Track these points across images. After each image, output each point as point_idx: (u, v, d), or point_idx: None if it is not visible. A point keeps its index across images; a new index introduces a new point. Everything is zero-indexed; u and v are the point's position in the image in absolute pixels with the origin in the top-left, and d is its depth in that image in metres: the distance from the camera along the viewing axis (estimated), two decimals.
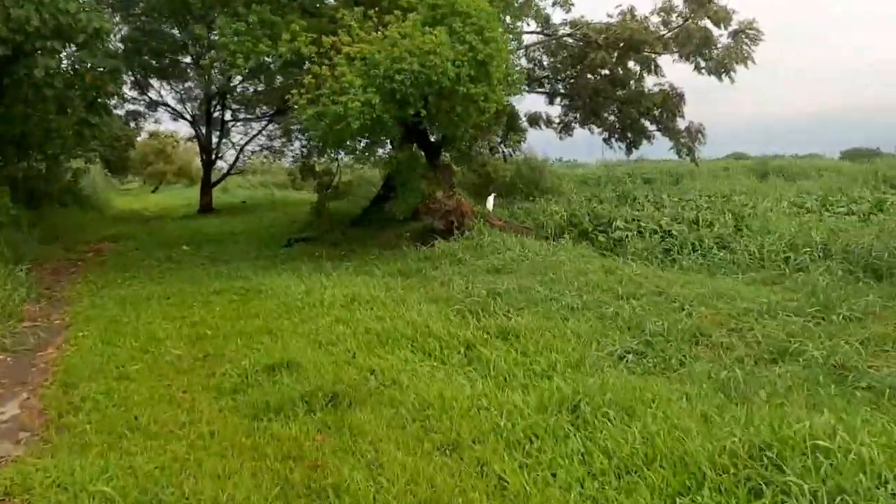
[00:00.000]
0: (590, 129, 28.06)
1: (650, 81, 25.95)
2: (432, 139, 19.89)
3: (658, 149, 41.66)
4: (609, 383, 6.99)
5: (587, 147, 59.13)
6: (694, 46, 23.22)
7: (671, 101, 24.71)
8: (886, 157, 42.74)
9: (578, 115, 28.14)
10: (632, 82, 26.33)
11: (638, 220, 17.05)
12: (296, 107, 16.31)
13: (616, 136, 26.96)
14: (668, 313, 9.79)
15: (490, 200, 18.30)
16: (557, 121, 28.54)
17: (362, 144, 17.44)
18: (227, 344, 9.61)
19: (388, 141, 17.13)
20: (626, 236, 15.80)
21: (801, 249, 12.87)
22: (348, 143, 17.02)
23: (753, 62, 24.12)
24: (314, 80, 15.79)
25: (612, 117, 26.64)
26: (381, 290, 12.57)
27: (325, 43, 16.06)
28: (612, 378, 7.28)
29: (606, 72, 25.47)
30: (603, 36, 24.33)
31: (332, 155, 23.68)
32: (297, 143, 32.06)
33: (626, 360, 8.23)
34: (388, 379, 7.58)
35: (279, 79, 32.05)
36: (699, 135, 25.53)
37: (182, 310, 12.19)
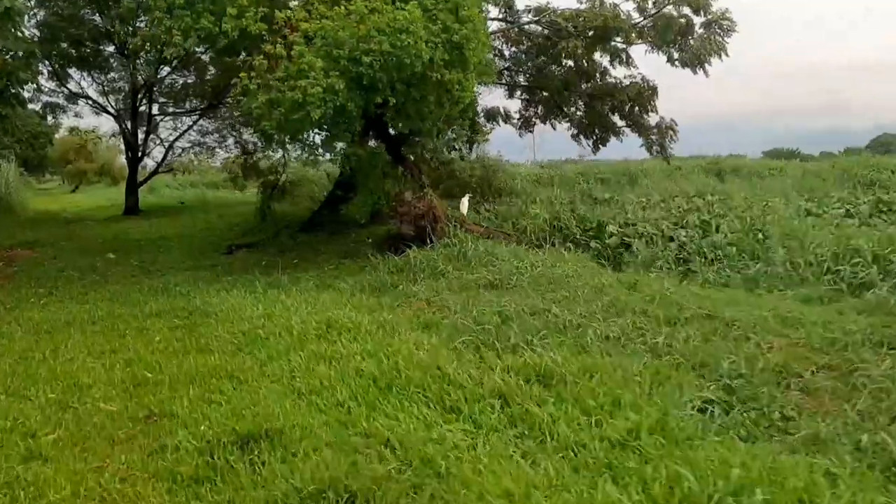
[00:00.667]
0: (552, 125, 26.25)
1: (619, 73, 24.47)
2: (393, 132, 17.69)
3: (612, 148, 40.42)
4: (726, 459, 5.03)
5: (519, 148, 57.84)
6: (673, 35, 21.55)
7: (645, 95, 23.00)
8: (817, 158, 42.84)
9: (540, 110, 26.30)
10: (598, 74, 24.59)
11: (633, 224, 15.24)
12: (241, 97, 13.97)
13: (582, 132, 25.16)
14: (734, 345, 7.88)
15: (465, 203, 16.27)
16: (517, 116, 26.64)
17: (320, 138, 15.14)
18: (176, 395, 7.29)
19: (350, 134, 14.89)
20: (625, 242, 13.91)
21: (849, 260, 11.14)
22: (306, 135, 14.73)
23: (727, 54, 22.68)
24: (266, 62, 13.48)
25: (578, 112, 24.81)
26: (359, 313, 10.38)
27: (277, 18, 13.73)
28: (722, 450, 5.32)
29: (572, 63, 23.59)
30: (571, 24, 22.51)
31: (278, 151, 21.28)
32: (236, 139, 29.43)
33: (712, 415, 6.28)
34: (414, 457, 5.41)
35: (211, 70, 29.46)
36: (671, 131, 23.91)
37: (112, 340, 9.80)
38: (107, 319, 11.11)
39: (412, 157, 17.20)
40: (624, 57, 23.51)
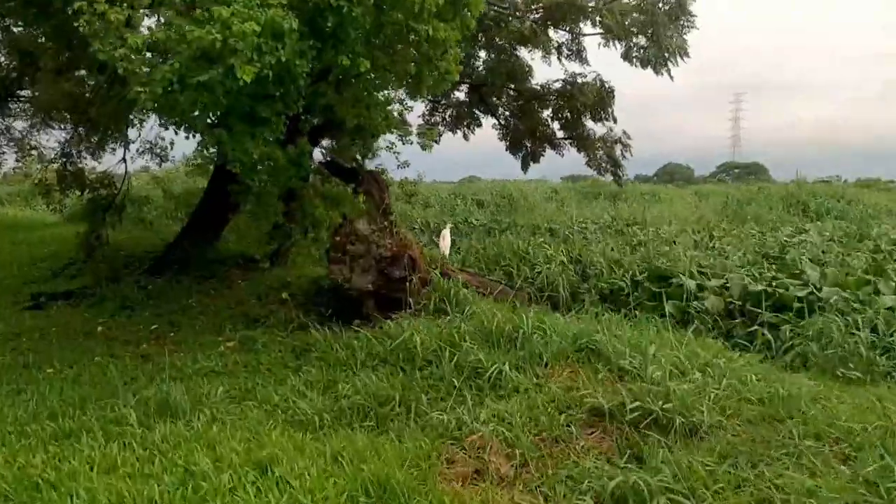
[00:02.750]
0: (464, 135, 20.89)
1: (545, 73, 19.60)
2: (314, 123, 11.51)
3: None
4: None
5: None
6: (651, 21, 16.96)
7: (603, 99, 18.19)
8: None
9: (450, 115, 20.91)
10: (527, 72, 19.60)
11: (706, 272, 10.17)
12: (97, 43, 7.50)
13: (512, 144, 20.02)
14: None
15: (446, 237, 10.41)
16: (422, 121, 20.97)
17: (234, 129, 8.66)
18: None
19: (285, 120, 8.71)
20: (729, 309, 8.77)
21: None
22: (216, 117, 8.31)
23: (688, 55, 18.41)
24: None
25: (506, 113, 19.64)
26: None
27: None
28: None
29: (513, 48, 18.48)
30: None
31: (116, 150, 14.38)
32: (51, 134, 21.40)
33: None
34: None
35: None
36: (623, 147, 19.25)
37: None
38: None
39: (359, 167, 11.04)
40: (575, 48, 18.69)
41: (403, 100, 11.64)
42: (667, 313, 9.14)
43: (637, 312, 9.51)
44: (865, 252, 12.98)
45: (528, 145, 19.81)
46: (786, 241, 14.27)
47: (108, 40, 7.15)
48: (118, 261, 14.08)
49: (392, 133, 12.25)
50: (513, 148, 19.90)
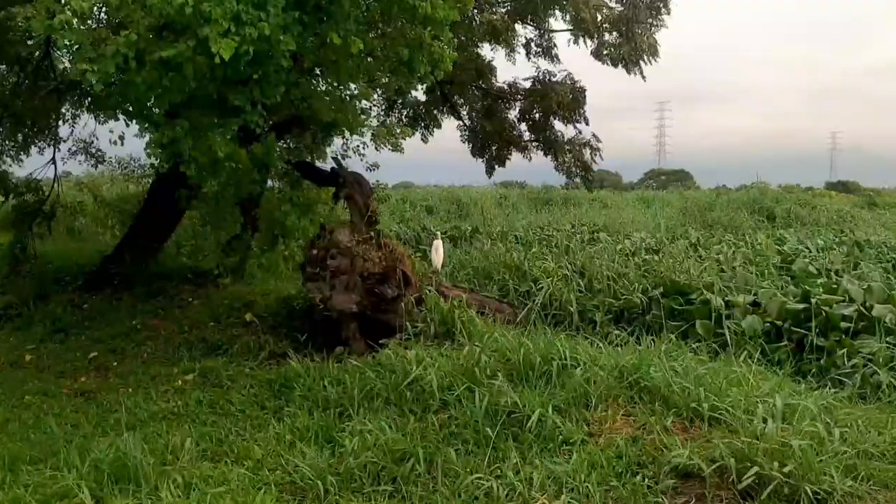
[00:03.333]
0: (422, 137, 19.51)
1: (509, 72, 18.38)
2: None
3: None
4: None
5: None
6: (626, 17, 15.97)
7: (577, 98, 17.09)
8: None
9: (407, 115, 19.53)
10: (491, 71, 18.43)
11: (730, 286, 9.09)
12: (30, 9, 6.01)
13: (474, 145, 18.75)
14: None
15: (439, 248, 9.06)
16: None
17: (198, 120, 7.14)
18: None
19: (262, 112, 7.26)
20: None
21: None
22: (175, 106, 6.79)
23: (658, 55, 17.52)
24: None
25: (478, 120, 18.39)
26: None
27: None
28: None
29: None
30: None
31: (43, 151, 12.58)
32: None
33: None
34: None
35: None
36: (593, 150, 18.16)
37: None
38: None
39: (341, 168, 9.54)
40: (544, 45, 17.58)
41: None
42: (699, 336, 8.00)
43: (659, 335, 8.34)
44: (868, 261, 12.17)
45: (494, 148, 18.59)
46: (782, 250, 13.37)
47: (44, 3, 5.63)
48: (47, 276, 12.28)
49: (362, 131, 10.95)
50: (478, 151, 18.64)
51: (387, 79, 10.71)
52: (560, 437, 5.40)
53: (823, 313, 7.89)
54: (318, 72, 9.34)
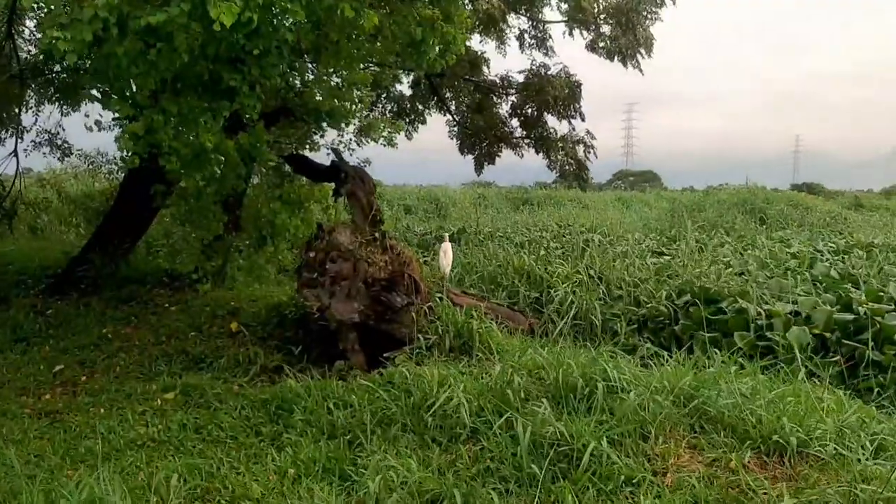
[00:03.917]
0: (407, 133, 18.63)
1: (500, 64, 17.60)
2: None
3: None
4: None
5: None
6: (626, 7, 15.26)
7: (573, 92, 16.33)
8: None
9: (391, 110, 18.70)
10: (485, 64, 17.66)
11: (765, 294, 8.37)
12: None
13: (463, 141, 17.96)
14: None
15: (448, 251, 8.20)
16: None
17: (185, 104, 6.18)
18: None
19: (256, 99, 6.35)
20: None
21: None
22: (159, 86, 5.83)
23: (651, 52, 16.87)
24: None
25: (468, 114, 17.57)
26: None
27: None
28: None
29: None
30: None
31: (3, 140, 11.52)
32: None
33: None
34: None
35: None
36: (587, 148, 17.44)
37: None
38: None
39: (342, 162, 8.61)
40: (539, 36, 16.85)
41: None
42: (736, 349, 7.25)
43: (691, 347, 7.58)
44: (890, 264, 11.54)
45: (485, 144, 17.80)
46: (791, 253, 12.71)
47: None
48: (7, 278, 11.23)
49: (354, 123, 10.13)
50: (467, 147, 17.83)
51: (382, 66, 9.93)
52: (620, 475, 4.59)
53: (877, 324, 7.17)
54: (308, 59, 8.50)
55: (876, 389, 6.65)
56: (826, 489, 4.05)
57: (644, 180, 72.50)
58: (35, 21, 6.96)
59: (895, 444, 4.65)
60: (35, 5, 4.74)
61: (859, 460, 4.37)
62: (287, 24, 5.39)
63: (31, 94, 11.73)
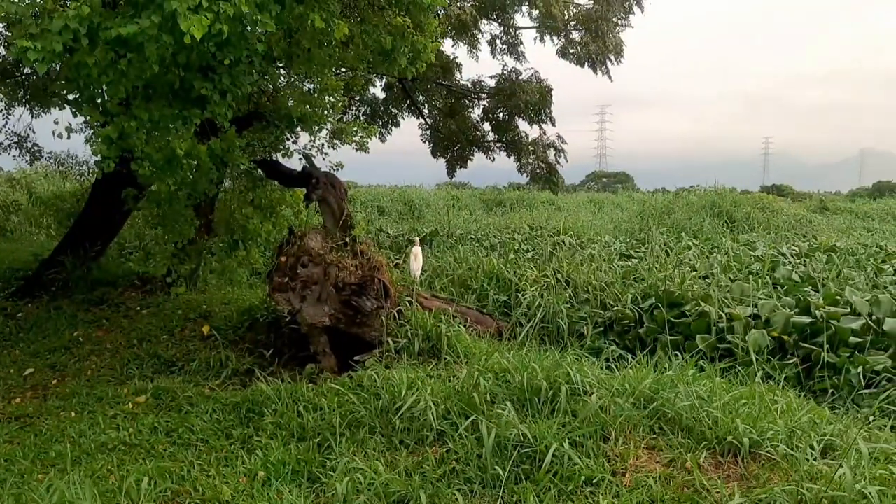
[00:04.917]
0: (380, 136, 18.74)
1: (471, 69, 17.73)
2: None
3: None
4: None
5: None
6: (596, 14, 15.48)
7: (544, 97, 16.53)
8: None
9: (364, 114, 18.83)
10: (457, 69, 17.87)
11: (727, 298, 8.59)
12: None
13: (435, 145, 18.11)
14: None
15: (418, 254, 8.31)
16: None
17: (156, 112, 6.26)
18: None
19: (230, 105, 6.44)
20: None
21: None
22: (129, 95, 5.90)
23: (621, 58, 17.14)
24: None
25: (441, 118, 17.71)
26: None
27: None
28: None
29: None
30: None
31: None
32: None
33: None
34: None
35: None
36: (557, 152, 17.67)
37: None
38: None
39: (313, 167, 8.73)
40: (510, 42, 17.03)
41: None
42: (699, 351, 7.45)
43: (654, 350, 7.77)
44: (848, 267, 11.86)
45: (457, 148, 17.94)
46: (755, 256, 12.98)
47: None
48: None
49: (326, 128, 10.19)
50: (440, 151, 17.97)
51: (354, 72, 10.00)
52: (581, 476, 4.74)
53: (832, 327, 7.41)
54: (280, 65, 8.59)
55: (830, 390, 6.86)
56: (775, 488, 4.23)
57: (617, 181, 72.83)
58: (3, 25, 6.95)
59: (843, 444, 4.83)
60: (3, 13, 4.79)
61: (808, 460, 4.56)
62: (258, 34, 5.49)
63: (1, 96, 11.69)
